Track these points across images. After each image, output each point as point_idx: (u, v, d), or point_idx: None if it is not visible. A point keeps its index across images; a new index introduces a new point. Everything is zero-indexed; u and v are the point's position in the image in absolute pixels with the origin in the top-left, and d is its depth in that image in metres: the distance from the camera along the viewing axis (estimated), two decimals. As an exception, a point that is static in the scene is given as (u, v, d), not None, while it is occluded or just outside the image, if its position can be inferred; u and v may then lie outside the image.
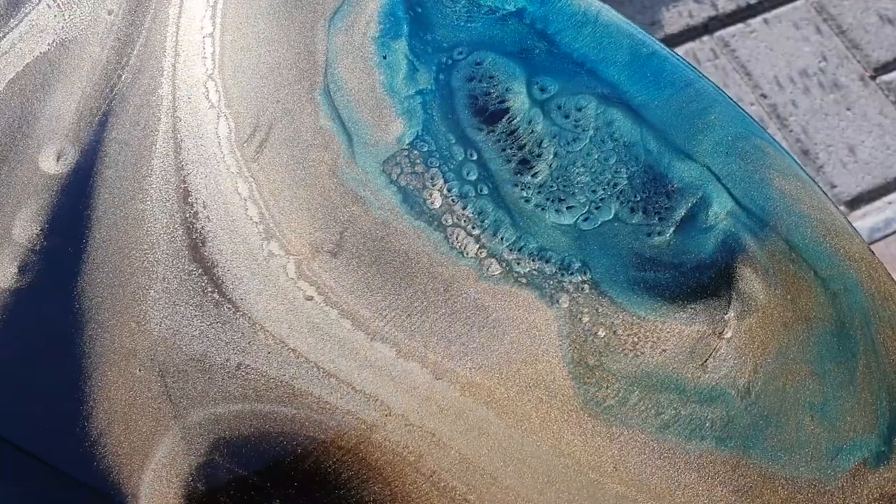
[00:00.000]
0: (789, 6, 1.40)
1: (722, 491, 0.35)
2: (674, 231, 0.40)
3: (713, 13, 1.40)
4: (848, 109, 1.32)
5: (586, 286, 0.39)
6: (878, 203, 1.24)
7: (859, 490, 0.35)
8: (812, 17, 1.39)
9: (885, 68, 1.36)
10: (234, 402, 0.37)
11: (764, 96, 1.33)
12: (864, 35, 1.37)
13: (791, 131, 1.30)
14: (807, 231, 0.40)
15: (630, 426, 0.36)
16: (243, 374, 0.38)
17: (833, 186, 1.27)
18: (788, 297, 0.39)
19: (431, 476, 0.36)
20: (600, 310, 0.39)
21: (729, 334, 0.38)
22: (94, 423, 0.37)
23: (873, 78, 1.35)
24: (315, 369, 0.38)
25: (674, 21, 1.38)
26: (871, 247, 0.79)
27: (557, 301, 0.39)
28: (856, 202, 1.24)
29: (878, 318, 0.38)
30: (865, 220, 1.20)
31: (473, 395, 0.37)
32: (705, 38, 1.37)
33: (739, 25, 1.38)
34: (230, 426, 0.37)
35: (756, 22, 1.39)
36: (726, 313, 0.38)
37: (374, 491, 0.36)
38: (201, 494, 0.36)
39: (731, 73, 1.34)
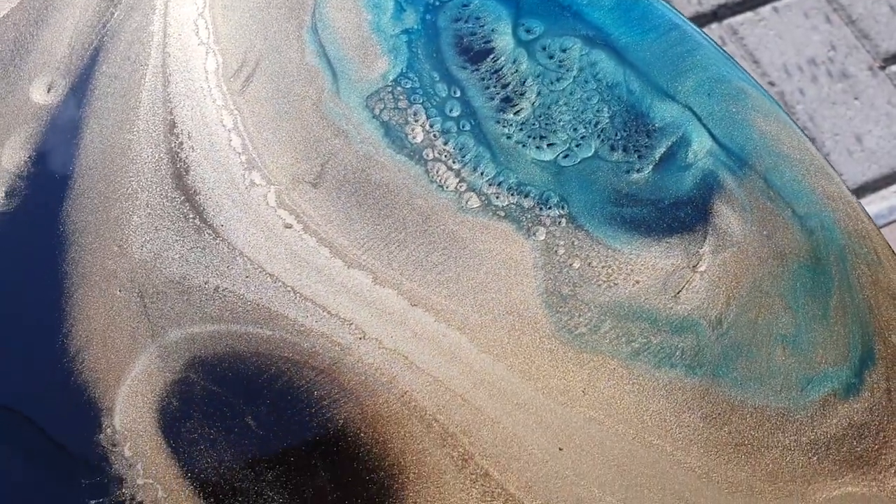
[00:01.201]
0: (799, -5, 1.40)
1: (690, 417, 0.36)
2: (653, 168, 0.41)
3: (723, 1, 1.39)
4: (856, 99, 1.31)
5: (563, 220, 0.39)
6: (883, 192, 1.24)
7: (828, 419, 0.36)
8: (822, 7, 1.38)
9: (894, 59, 1.35)
10: (210, 322, 0.38)
11: (772, 84, 1.33)
12: (873, 25, 1.37)
13: (798, 119, 1.30)
14: (785, 170, 0.40)
15: (601, 353, 0.37)
16: (221, 296, 0.38)
17: (839, 175, 1.26)
18: (764, 233, 0.39)
19: (403, 397, 0.36)
20: (576, 243, 0.39)
21: (703, 267, 0.38)
22: (74, 340, 0.37)
23: (882, 68, 1.34)
24: (291, 293, 0.38)
25: (683, 8, 1.38)
26: None
27: (534, 234, 0.39)
28: (861, 191, 1.24)
29: (853, 255, 0.39)
30: (870, 208, 1.19)
31: (447, 322, 0.38)
32: (714, 25, 1.37)
33: (748, 14, 1.38)
34: (206, 345, 0.37)
35: (765, 10, 1.39)
36: (701, 247, 0.39)
37: (345, 410, 0.36)
38: (175, 410, 0.36)
39: (739, 60, 1.34)
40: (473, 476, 0.35)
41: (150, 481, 0.35)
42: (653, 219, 0.39)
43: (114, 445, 0.36)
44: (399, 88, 0.43)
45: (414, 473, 0.35)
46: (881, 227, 1.13)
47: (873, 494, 0.35)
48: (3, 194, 0.41)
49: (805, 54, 1.35)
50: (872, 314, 0.38)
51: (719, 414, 0.36)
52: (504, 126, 0.42)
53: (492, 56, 0.43)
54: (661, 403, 0.36)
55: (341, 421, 0.36)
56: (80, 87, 0.44)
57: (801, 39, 1.36)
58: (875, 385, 0.36)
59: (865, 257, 0.39)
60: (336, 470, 0.35)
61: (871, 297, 0.38)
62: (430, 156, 0.41)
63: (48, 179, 0.42)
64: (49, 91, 0.44)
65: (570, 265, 0.39)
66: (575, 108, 0.42)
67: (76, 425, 0.36)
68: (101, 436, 0.36)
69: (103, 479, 0.35)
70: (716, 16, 1.38)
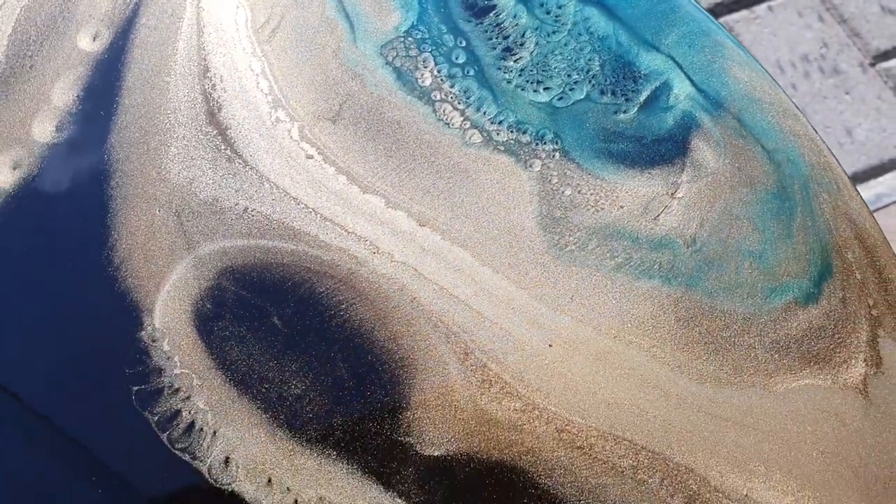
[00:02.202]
0: (794, -5, 1.45)
1: (665, 320, 0.40)
2: (638, 110, 0.45)
3: (720, 0, 1.45)
4: (847, 94, 1.36)
5: (557, 154, 0.44)
6: (871, 182, 1.29)
7: (789, 323, 0.40)
8: (815, 6, 1.44)
9: (884, 56, 1.40)
10: (240, 237, 0.43)
11: (765, 79, 1.37)
12: (865, 24, 1.42)
13: (790, 112, 1.34)
14: (756, 112, 0.45)
15: (587, 266, 0.41)
16: (249, 215, 0.43)
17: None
18: (736, 165, 0.44)
19: (412, 301, 0.41)
20: (568, 173, 0.44)
21: (680, 194, 0.43)
22: (118, 252, 0.42)
23: (872, 65, 1.39)
24: (313, 214, 0.43)
25: (680, 5, 1.43)
26: None
27: (531, 165, 0.44)
28: (851, 181, 1.28)
29: (815, 184, 0.43)
30: (858, 195, 1.24)
31: (452, 239, 0.42)
32: (710, 22, 1.42)
33: (744, 12, 1.43)
34: (236, 257, 0.42)
35: (761, 9, 1.44)
36: (679, 177, 0.43)
37: (360, 312, 0.41)
38: (208, 311, 0.41)
39: (734, 56, 1.39)
40: (473, 367, 0.40)
41: (186, 371, 0.40)
42: (637, 153, 0.44)
43: (153, 341, 0.41)
44: (410, 39, 0.48)
45: (422, 365, 0.40)
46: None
47: (828, 386, 0.39)
48: (54, 128, 0.46)
49: (798, 51, 1.40)
50: (831, 234, 0.42)
51: (691, 317, 0.40)
52: (504, 72, 0.47)
53: (494, 11, 0.48)
54: (639, 308, 0.40)
55: (357, 321, 0.41)
56: (122, 36, 0.49)
57: (795, 37, 1.41)
58: (832, 294, 0.41)
59: (826, 186, 0.43)
60: (353, 362, 0.40)
61: (830, 220, 0.43)
62: (438, 97, 0.46)
63: (94, 116, 0.47)
64: (94, 40, 0.49)
65: (562, 192, 0.43)
66: (569, 58, 0.47)
67: (121, 324, 0.41)
68: (143, 333, 0.41)
69: (145, 370, 0.40)
70: (713, 13, 1.43)
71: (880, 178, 1.28)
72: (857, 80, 1.38)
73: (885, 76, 1.38)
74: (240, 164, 0.45)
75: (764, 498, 0.37)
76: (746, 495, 0.37)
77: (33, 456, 0.39)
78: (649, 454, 0.37)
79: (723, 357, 0.39)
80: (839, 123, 1.34)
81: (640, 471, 0.37)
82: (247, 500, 0.37)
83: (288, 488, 0.37)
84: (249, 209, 0.43)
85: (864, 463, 0.38)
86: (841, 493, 0.37)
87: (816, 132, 0.44)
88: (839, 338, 0.40)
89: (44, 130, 0.46)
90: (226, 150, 0.45)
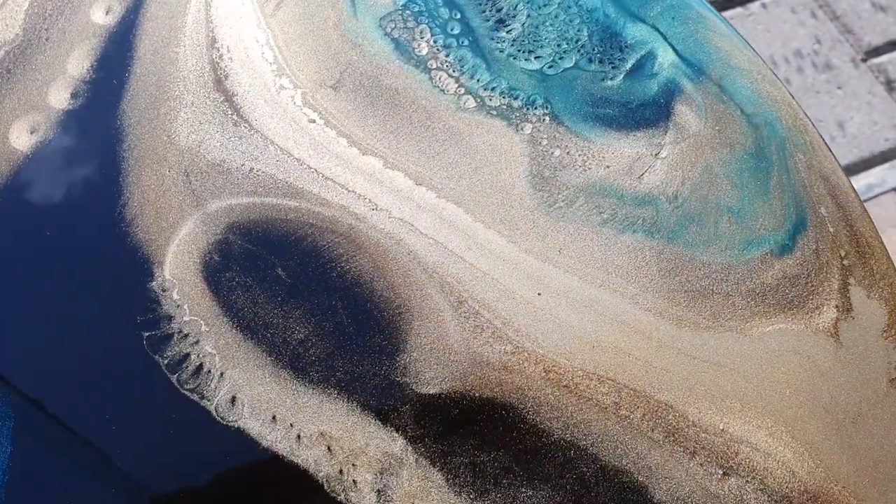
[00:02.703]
0: (787, -8, 1.48)
1: (648, 270, 0.43)
2: (624, 77, 0.48)
3: (714, -3, 1.47)
4: (839, 88, 1.39)
5: (547, 118, 0.47)
6: (862, 174, 1.31)
7: (765, 272, 0.43)
8: (808, 3, 1.46)
9: (876, 52, 1.43)
10: (246, 195, 0.45)
11: (759, 74, 1.40)
12: (857, 21, 1.45)
13: (783, 106, 1.37)
14: (736, 78, 0.48)
15: (574, 221, 0.44)
16: (255, 175, 0.46)
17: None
18: (717, 128, 0.46)
19: (409, 254, 0.43)
20: (557, 135, 0.46)
21: (663, 155, 0.45)
22: (130, 209, 0.45)
23: (864, 60, 1.42)
24: (315, 174, 0.46)
25: (676, 2, 1.46)
26: None
27: (521, 129, 0.47)
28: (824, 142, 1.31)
29: (791, 145, 0.46)
30: (849, 186, 1.26)
31: (446, 197, 0.45)
32: (705, 18, 1.45)
33: (739, 9, 1.46)
34: (242, 213, 0.45)
35: (755, 6, 1.47)
36: (663, 139, 0.46)
37: (360, 264, 0.43)
38: (216, 263, 0.43)
39: (728, 51, 1.42)
40: (467, 314, 0.42)
41: (195, 318, 0.42)
42: (622, 117, 0.47)
43: (164, 291, 0.43)
44: (408, 11, 0.50)
45: (418, 312, 0.42)
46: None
47: (801, 330, 0.42)
48: (69, 95, 0.49)
49: (791, 47, 1.43)
50: (805, 191, 0.45)
51: (673, 268, 0.43)
52: (497, 42, 0.49)
53: (488, -14, 0.50)
54: (624, 259, 0.43)
55: (357, 272, 0.43)
56: (134, 10, 0.51)
57: (788, 33, 1.44)
58: (805, 246, 0.44)
59: (802, 147, 0.46)
60: (353, 310, 0.42)
61: (804, 178, 0.45)
62: (434, 65, 0.49)
63: (107, 84, 0.49)
64: (107, 13, 0.51)
65: (552, 153, 0.46)
66: (559, 28, 0.49)
67: (133, 275, 0.43)
68: (154, 283, 0.43)
69: (156, 317, 0.42)
70: (707, 10, 1.46)
71: (871, 171, 1.30)
72: (849, 76, 1.41)
73: (876, 71, 1.41)
74: (245, 128, 0.47)
75: (739, 432, 0.39)
76: (723, 429, 0.39)
77: (49, 394, 0.41)
78: (631, 392, 0.40)
79: (702, 304, 0.42)
80: (831, 117, 1.37)
81: (622, 407, 0.40)
82: (252, 435, 0.39)
83: (291, 424, 0.40)
84: (255, 169, 0.46)
85: (833, 400, 0.40)
86: (812, 428, 0.40)
87: (793, 97, 0.47)
88: (812, 286, 0.43)
89: (59, 97, 0.49)
90: (232, 115, 0.47)
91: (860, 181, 1.27)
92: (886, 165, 1.30)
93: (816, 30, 1.44)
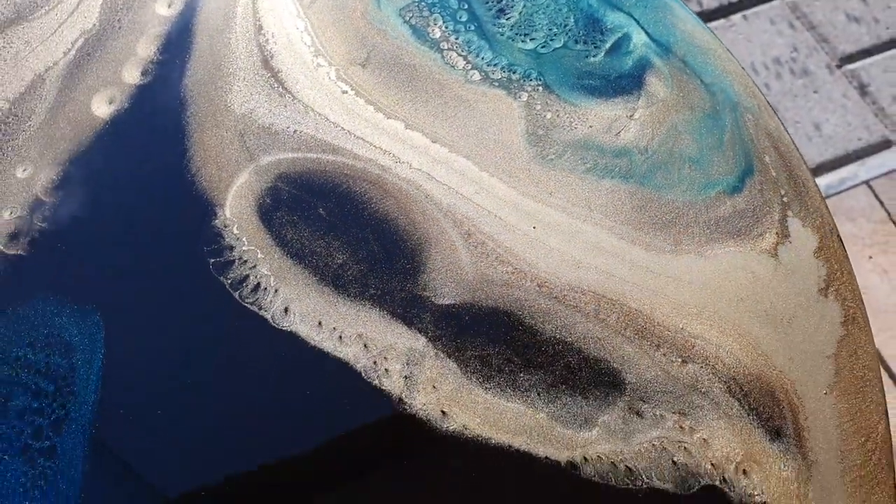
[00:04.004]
0: (766, 5, 1.59)
1: (623, 207, 0.52)
2: (604, 54, 0.58)
3: (698, 9, 1.58)
4: (815, 92, 1.49)
5: (540, 87, 0.57)
6: (837, 171, 1.41)
7: (719, 207, 0.52)
8: (786, 15, 1.57)
9: (849, 59, 1.53)
10: (291, 151, 0.55)
11: (740, 79, 1.50)
12: (832, 30, 1.56)
13: (763, 109, 1.47)
14: (698, 55, 0.58)
15: (563, 170, 0.54)
16: (298, 135, 0.55)
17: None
18: (681, 94, 0.56)
19: (426, 197, 0.53)
20: (548, 102, 0.56)
21: (636, 116, 0.55)
22: (195, 162, 0.55)
23: (839, 67, 1.52)
24: (348, 134, 0.56)
25: (663, 14, 1.56)
26: (826, 201, 0.96)
27: (519, 96, 0.57)
28: (818, 170, 1.41)
29: (742, 108, 0.56)
30: (823, 180, 1.36)
31: (457, 151, 0.55)
32: (690, 29, 1.56)
33: (721, 20, 1.57)
34: (289, 165, 0.54)
35: (736, 17, 1.57)
36: (636, 104, 0.56)
37: (387, 205, 0.53)
38: (267, 205, 0.53)
39: (712, 59, 1.52)
40: (475, 244, 0.52)
41: (252, 247, 0.52)
42: (603, 86, 0.57)
43: (226, 227, 0.53)
44: (423, 3, 0.60)
45: (436, 242, 0.52)
46: (833, 195, 1.30)
47: (747, 252, 0.52)
48: (140, 73, 0.59)
49: (770, 55, 1.54)
50: (753, 144, 0.55)
51: (643, 205, 0.53)
52: (498, 27, 0.59)
53: (490, -19, 0.61)
54: (603, 199, 0.53)
55: (384, 212, 0.53)
56: (192, 3, 0.61)
57: (768, 42, 1.55)
58: (752, 186, 0.53)
59: (750, 109, 0.56)
60: (382, 241, 0.52)
61: (752, 134, 0.55)
62: (445, 46, 0.59)
63: (171, 63, 0.59)
64: (170, 6, 0.61)
65: (544, 116, 0.56)
66: (550, 16, 0.60)
67: (200, 215, 0.53)
68: (217, 221, 0.53)
69: (220, 247, 0.52)
70: (692, 21, 1.57)
71: (845, 167, 1.41)
72: (825, 81, 1.52)
73: (850, 77, 1.51)
74: (289, 98, 0.57)
75: (696, 330, 0.49)
76: (682, 328, 0.49)
77: (137, 310, 0.51)
78: (608, 301, 0.49)
79: (666, 233, 0.52)
80: (808, 119, 1.47)
81: (601, 312, 0.49)
82: (302, 337, 0.49)
83: (334, 328, 0.49)
84: (298, 131, 0.56)
85: (773, 305, 0.50)
86: (755, 327, 0.49)
87: (744, 69, 0.57)
88: (757, 217, 0.52)
89: (132, 74, 0.59)
90: (278, 87, 0.57)
91: (835, 176, 1.37)
92: (858, 162, 1.40)
93: (794, 39, 1.55)
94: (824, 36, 1.54)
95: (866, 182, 1.32)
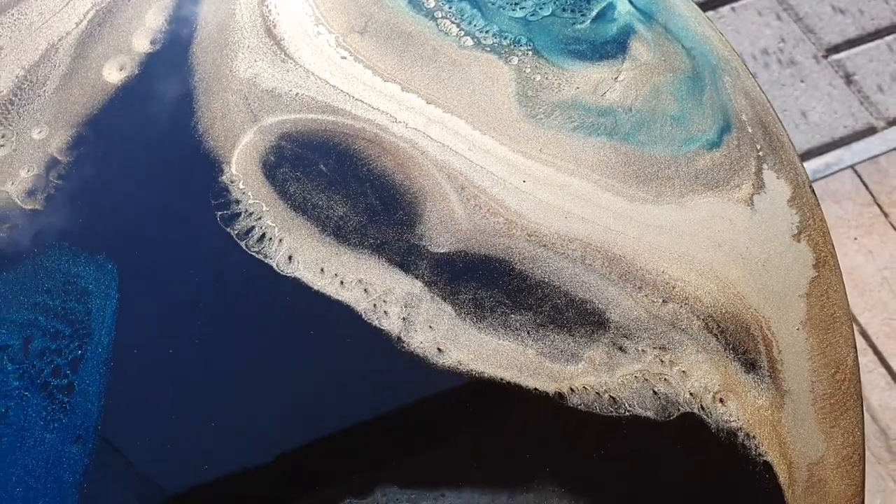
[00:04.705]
0: (754, -3, 1.62)
1: (608, 162, 0.55)
2: (590, 21, 0.61)
3: (688, 1, 1.62)
4: (802, 81, 1.53)
5: (530, 52, 0.60)
6: (823, 156, 1.45)
7: (698, 161, 0.56)
8: (773, 7, 1.61)
9: (835, 49, 1.57)
10: (293, 112, 0.58)
11: (729, 69, 1.54)
12: (818, 22, 1.59)
13: (751, 98, 1.50)
14: (679, 21, 0.61)
15: (552, 128, 0.57)
16: (300, 98, 0.59)
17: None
18: (662, 58, 0.59)
19: (422, 154, 0.56)
20: (538, 65, 0.60)
21: (621, 78, 0.59)
22: (202, 124, 0.58)
23: (825, 57, 1.56)
24: (347, 96, 0.59)
25: (653, 6, 1.60)
26: (813, 185, 1.00)
27: (510, 60, 0.60)
28: (805, 156, 1.44)
29: (721, 70, 0.59)
30: (811, 164, 1.40)
31: (451, 112, 0.58)
32: (680, 20, 1.59)
33: (710, 13, 1.61)
34: (291, 125, 0.58)
35: (725, 9, 1.61)
36: (621, 66, 0.59)
37: (384, 161, 0.56)
38: (271, 161, 0.56)
39: (701, 50, 1.55)
40: (468, 197, 0.55)
41: (257, 201, 0.55)
42: (590, 51, 0.60)
43: (232, 182, 0.56)
44: (418, -25, 0.63)
45: (431, 195, 0.55)
46: (820, 179, 1.33)
47: (724, 202, 0.55)
48: (149, 41, 0.62)
49: (759, 45, 1.57)
50: (731, 103, 0.58)
51: (627, 160, 0.56)
52: (490, -3, 0.62)
53: (482, -45, 0.64)
54: (590, 155, 0.56)
55: (382, 167, 0.56)
56: (198, -23, 0.64)
57: (756, 33, 1.58)
58: (730, 142, 0.56)
59: (728, 71, 0.59)
60: (380, 194, 0.55)
61: (730, 94, 0.58)
62: (439, 15, 0.62)
63: (179, 33, 0.62)
64: (176, -20, 0.64)
65: (534, 78, 0.59)
66: (538, -13, 0.63)
67: (208, 171, 0.56)
68: (224, 176, 0.56)
69: (227, 201, 0.55)
70: (682, 13, 1.60)
71: (831, 153, 1.44)
72: (811, 70, 1.55)
73: (835, 66, 1.55)
74: (291, 63, 0.60)
75: (676, 273, 0.52)
76: (663, 271, 0.52)
77: (151, 253, 0.54)
78: (594, 248, 0.53)
79: (649, 185, 0.55)
80: (795, 108, 1.50)
81: (587, 258, 0.52)
82: (305, 282, 0.52)
83: (335, 274, 0.52)
84: (300, 94, 0.59)
85: (748, 250, 0.53)
86: (731, 270, 0.52)
87: (723, 35, 0.60)
88: (734, 170, 0.55)
89: (141, 43, 0.62)
90: (280, 54, 0.61)
91: (821, 160, 1.40)
92: (844, 148, 1.44)
93: (781, 30, 1.59)
94: (810, 27, 1.58)
95: (851, 167, 1.35)
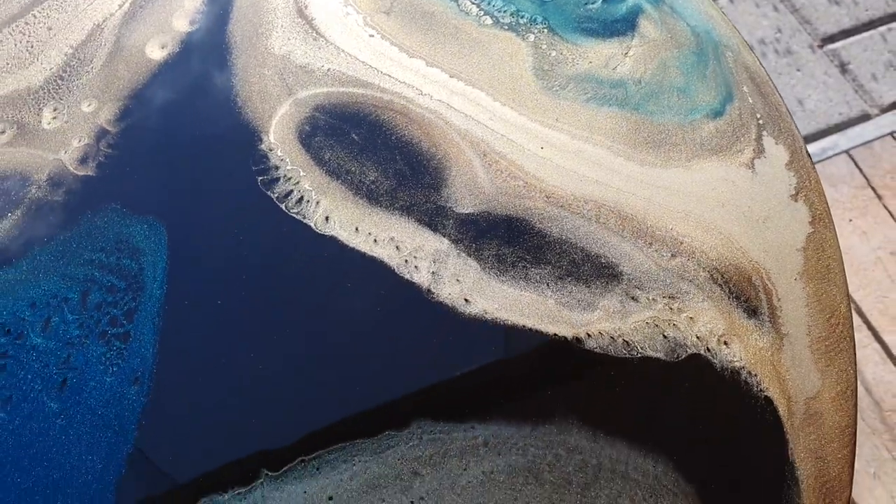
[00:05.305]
0: (752, -11, 1.67)
1: (620, 129, 0.60)
2: (602, 1, 0.66)
3: (687, -7, 1.66)
4: (798, 70, 1.58)
5: (545, 30, 0.65)
6: (819, 141, 1.49)
7: (703, 128, 0.60)
8: (771, -2, 1.65)
9: (830, 39, 1.61)
10: (326, 86, 0.63)
11: (728, 59, 1.58)
12: (814, 13, 1.64)
13: (749, 86, 1.55)
14: (684, 2, 0.66)
15: (567, 99, 0.61)
16: (332, 73, 0.63)
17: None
18: (669, 35, 0.64)
19: (446, 124, 0.61)
20: (553, 42, 0.64)
21: (631, 53, 0.63)
22: (241, 98, 0.62)
23: (821, 47, 1.61)
24: (376, 71, 0.63)
25: None
26: None
27: (527, 38, 0.64)
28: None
29: (723, 46, 0.64)
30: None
31: (472, 84, 0.62)
32: (679, 11, 1.64)
33: (709, 3, 1.65)
34: (325, 98, 0.62)
35: (723, 1, 1.65)
36: (630, 43, 0.63)
37: (411, 131, 0.61)
38: (307, 131, 0.61)
39: (700, 40, 1.60)
40: (490, 162, 0.59)
41: (295, 167, 0.59)
42: (602, 28, 0.64)
43: (270, 150, 0.60)
44: (440, -41, 0.68)
45: (455, 161, 0.59)
46: (816, 163, 1.38)
47: (727, 165, 0.59)
48: (188, 22, 0.66)
49: (756, 35, 1.62)
50: (732, 76, 0.63)
51: (638, 128, 0.60)
52: (507, -20, 0.67)
53: (499, -60, 0.68)
54: (602, 123, 0.60)
55: (409, 136, 0.60)
56: (232, -38, 0.69)
57: (753, 24, 1.63)
58: (732, 111, 0.61)
59: (730, 47, 0.64)
60: (408, 160, 0.59)
61: (732, 67, 0.63)
62: (461, -4, 0.66)
63: (216, 13, 0.67)
64: (212, -36, 0.69)
65: (549, 54, 0.64)
66: (552, -30, 0.67)
67: (247, 140, 0.60)
68: (263, 145, 0.60)
69: (266, 167, 0.60)
70: (681, 5, 1.65)
71: (826, 138, 1.49)
72: (807, 60, 1.60)
73: (831, 56, 1.60)
74: (323, 41, 0.65)
75: (683, 231, 0.56)
76: (672, 229, 0.56)
77: (197, 212, 0.58)
78: (607, 208, 0.57)
79: (658, 151, 0.59)
80: (792, 96, 1.55)
81: (601, 217, 0.57)
82: (341, 241, 0.56)
83: (369, 233, 0.57)
84: (331, 69, 0.63)
85: (750, 209, 0.57)
86: (734, 226, 0.57)
87: (725, 15, 0.65)
88: (736, 136, 0.60)
89: (181, 23, 0.66)
90: (312, 33, 0.65)
91: (817, 146, 1.45)
92: (839, 134, 1.49)
93: (778, 21, 1.63)
94: (807, 18, 1.62)
95: (846, 151, 1.40)
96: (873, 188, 1.32)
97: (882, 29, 1.58)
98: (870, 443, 1.14)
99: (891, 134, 1.44)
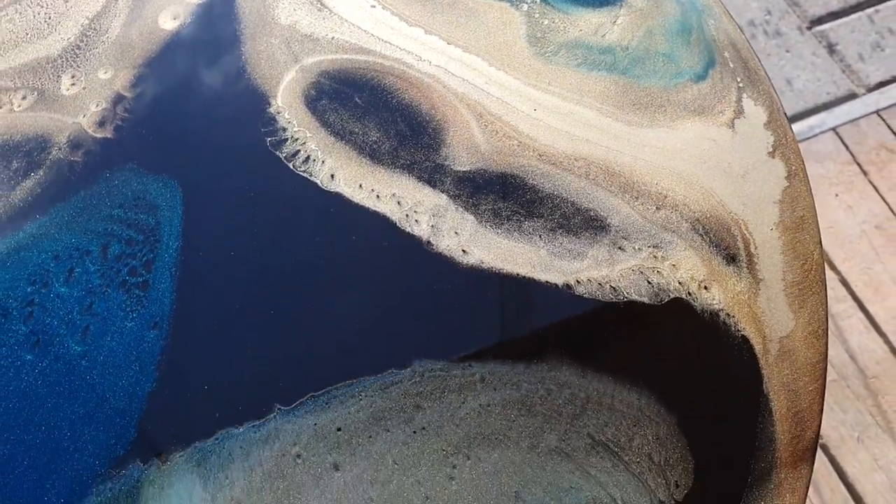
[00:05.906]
0: (742, -28, 1.70)
1: (608, 92, 0.64)
2: (590, -26, 0.69)
3: (679, -24, 1.70)
4: (787, 51, 1.61)
5: (538, 0, 0.68)
6: (806, 119, 1.53)
7: (686, 91, 0.64)
8: (760, -19, 1.69)
9: (819, 21, 1.65)
10: (331, 53, 0.66)
11: (718, 40, 1.62)
12: (802, -5, 1.67)
13: (739, 66, 1.58)
14: (669, -27, 0.69)
15: (558, 65, 0.65)
16: (336, 41, 0.67)
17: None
18: (655, 5, 0.67)
19: (444, 87, 0.64)
20: (545, 11, 0.68)
21: (619, 22, 0.67)
22: (250, 64, 0.66)
23: (809, 28, 1.64)
24: (377, 39, 0.67)
25: (645, -20, 1.68)
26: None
27: (520, 7, 0.68)
28: (790, 121, 1.53)
29: (706, 15, 0.67)
30: (795, 127, 1.48)
31: (469, 51, 0.66)
32: (671, -6, 1.67)
33: (700, -14, 1.68)
34: (329, 64, 0.66)
35: (714, -16, 1.69)
36: (619, 12, 0.67)
37: (411, 94, 0.64)
38: (312, 95, 0.64)
39: (691, 22, 1.64)
40: (486, 123, 0.63)
41: (301, 129, 0.63)
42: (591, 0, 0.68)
43: (278, 113, 0.64)
44: (437, -67, 0.71)
45: (452, 122, 0.63)
46: (803, 140, 1.42)
47: (709, 125, 0.63)
48: (195, 8, 0.70)
49: (746, 17, 1.65)
50: (714, 43, 0.66)
51: (625, 91, 0.64)
52: (501, -47, 0.70)
53: (494, -84, 0.72)
54: (592, 86, 0.64)
55: (409, 99, 0.64)
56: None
57: (742, 6, 1.66)
58: (714, 75, 0.65)
59: (713, 15, 0.67)
60: (408, 121, 0.63)
61: (714, 35, 0.66)
62: (457, -31, 0.70)
63: (219, 7, 0.70)
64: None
65: (542, 22, 0.67)
66: (544, -57, 0.71)
67: (255, 104, 0.64)
68: (271, 108, 0.64)
69: (274, 128, 0.63)
70: (673, -13, 1.68)
71: (814, 116, 1.52)
72: (796, 41, 1.63)
73: (819, 37, 1.63)
74: (327, 12, 0.68)
75: (667, 185, 0.60)
76: (656, 184, 0.60)
77: (208, 168, 0.62)
78: (596, 165, 0.61)
79: (644, 112, 0.63)
80: (780, 76, 1.59)
81: (590, 174, 0.61)
82: (346, 196, 0.60)
83: (372, 189, 0.60)
84: (335, 38, 0.67)
85: (730, 165, 0.61)
86: (715, 181, 0.61)
87: None
88: (717, 98, 0.64)
89: (180, 17, 0.69)
90: (317, 3, 0.69)
91: (805, 124, 1.49)
92: (826, 112, 1.52)
93: (767, 3, 1.67)
94: (795, 0, 1.66)
95: (833, 129, 1.44)
96: (859, 164, 1.36)
97: (869, 10, 1.61)
98: (854, 408, 1.18)
99: (876, 112, 1.48)
